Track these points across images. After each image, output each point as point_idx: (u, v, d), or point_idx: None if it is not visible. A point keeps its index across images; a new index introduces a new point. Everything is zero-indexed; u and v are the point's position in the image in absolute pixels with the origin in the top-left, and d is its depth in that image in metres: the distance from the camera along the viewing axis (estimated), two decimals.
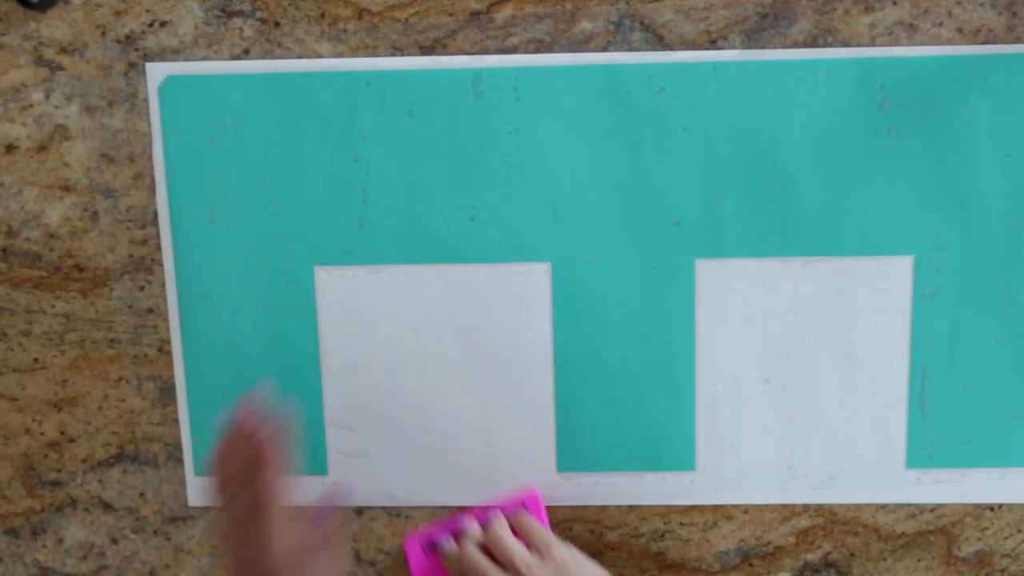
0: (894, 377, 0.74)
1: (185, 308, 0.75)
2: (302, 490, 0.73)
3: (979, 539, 0.77)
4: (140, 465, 0.79)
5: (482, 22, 0.71)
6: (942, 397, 0.74)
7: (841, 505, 0.76)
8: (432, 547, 0.75)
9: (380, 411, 0.76)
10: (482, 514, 0.74)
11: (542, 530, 0.72)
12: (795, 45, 0.70)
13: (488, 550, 0.72)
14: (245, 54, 0.72)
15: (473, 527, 0.73)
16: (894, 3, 0.69)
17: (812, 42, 0.70)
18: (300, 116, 0.72)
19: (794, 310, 0.74)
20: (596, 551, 0.78)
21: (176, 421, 0.77)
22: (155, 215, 0.74)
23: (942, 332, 0.73)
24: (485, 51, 0.71)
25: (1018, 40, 0.69)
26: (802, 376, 0.74)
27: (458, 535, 0.73)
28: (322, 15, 0.71)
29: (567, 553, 0.70)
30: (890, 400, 0.74)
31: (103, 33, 0.72)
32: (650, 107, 0.71)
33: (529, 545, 0.71)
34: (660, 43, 0.71)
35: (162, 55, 0.72)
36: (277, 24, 0.71)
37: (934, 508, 0.76)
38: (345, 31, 0.71)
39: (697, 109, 0.71)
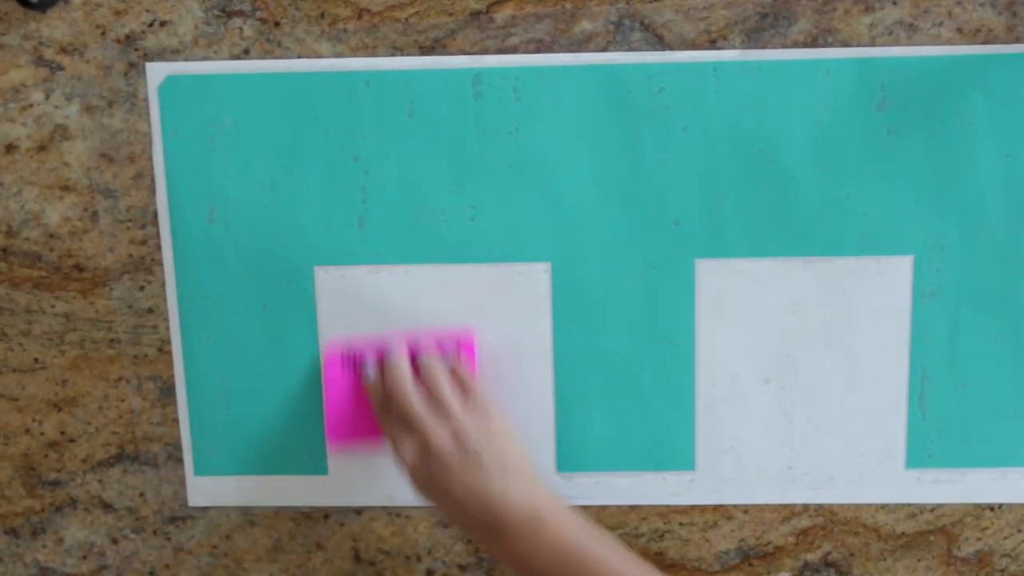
0: (894, 377, 0.74)
1: (185, 308, 0.75)
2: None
3: (979, 539, 0.77)
4: (140, 465, 0.79)
5: (482, 22, 0.71)
6: (942, 397, 0.74)
7: (841, 505, 0.76)
8: (353, 364, 0.73)
9: None
10: (414, 343, 0.72)
11: (472, 376, 0.71)
12: (795, 45, 0.70)
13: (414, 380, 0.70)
14: (245, 54, 0.72)
15: (402, 357, 0.71)
16: (894, 3, 0.69)
17: (812, 42, 0.70)
18: (300, 116, 0.72)
19: (794, 310, 0.73)
20: None
21: (176, 421, 0.77)
22: (155, 215, 0.74)
23: (942, 332, 0.73)
24: (485, 51, 0.71)
25: (1018, 40, 0.69)
26: (802, 376, 0.74)
27: (383, 358, 0.72)
28: (322, 15, 0.71)
29: (491, 406, 0.70)
30: (890, 400, 0.74)
31: (103, 33, 0.72)
32: (650, 107, 0.71)
33: (464, 392, 0.70)
34: (660, 43, 0.71)
35: (162, 55, 0.72)
36: (277, 24, 0.71)
37: (934, 508, 0.76)
38: (345, 31, 0.71)
39: (697, 109, 0.71)
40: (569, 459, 0.76)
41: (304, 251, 0.74)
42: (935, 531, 0.77)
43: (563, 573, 0.65)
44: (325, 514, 0.79)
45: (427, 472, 0.68)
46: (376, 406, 0.72)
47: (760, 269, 0.73)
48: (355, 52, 0.72)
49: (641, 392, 0.75)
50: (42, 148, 0.74)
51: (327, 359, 0.74)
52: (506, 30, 0.71)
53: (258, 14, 0.71)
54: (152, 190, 0.74)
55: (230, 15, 0.71)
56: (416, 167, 0.73)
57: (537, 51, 0.71)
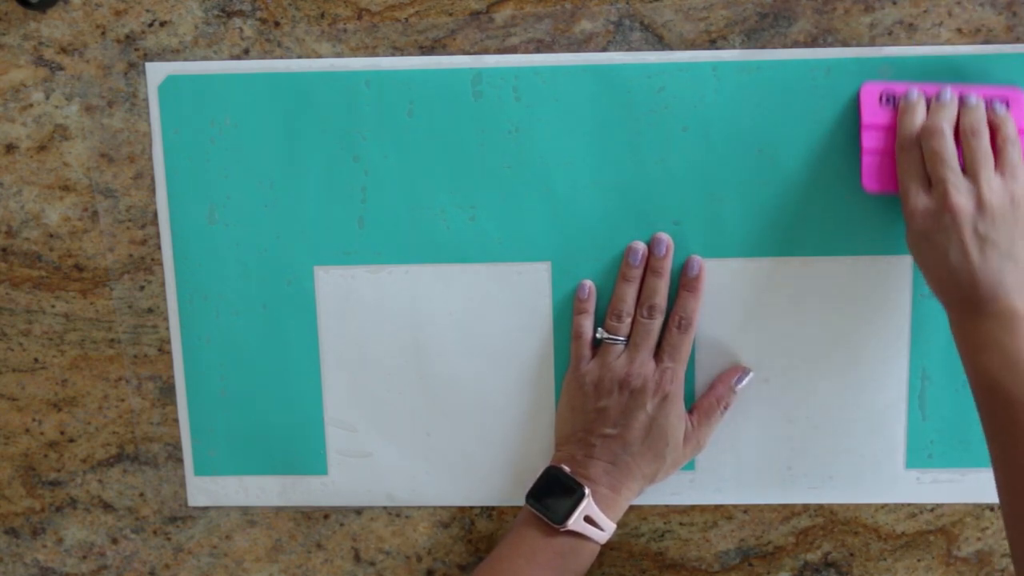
0: (894, 377, 0.74)
1: (185, 308, 0.75)
2: None
3: (979, 539, 0.77)
4: (140, 465, 0.79)
5: (482, 22, 0.71)
6: (942, 397, 0.74)
7: (841, 505, 0.76)
8: (890, 100, 0.68)
9: (380, 411, 0.76)
10: (961, 92, 0.67)
11: (1016, 140, 0.65)
12: (795, 45, 0.70)
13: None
14: (245, 54, 0.72)
15: (949, 98, 0.66)
16: (894, 3, 0.69)
17: (812, 42, 0.70)
18: (300, 116, 0.72)
19: (794, 310, 0.73)
20: None
21: (176, 421, 0.77)
22: (155, 215, 0.74)
23: (942, 332, 0.73)
24: (485, 51, 0.71)
25: (1018, 40, 0.69)
26: (802, 376, 0.74)
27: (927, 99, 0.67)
28: (322, 15, 0.71)
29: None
30: (890, 400, 0.74)
31: (103, 33, 0.72)
32: (650, 107, 0.71)
33: (995, 151, 0.65)
34: (660, 43, 0.71)
35: (162, 55, 0.72)
36: (277, 24, 0.71)
37: (934, 508, 0.76)
38: (345, 31, 0.71)
39: (697, 109, 0.71)
40: None
41: (304, 251, 0.74)
42: (935, 531, 0.77)
43: (1010, 378, 0.61)
44: (325, 514, 0.79)
45: (931, 229, 0.64)
46: (901, 141, 0.67)
47: (760, 269, 0.73)
48: (355, 52, 0.72)
49: None
50: (42, 148, 0.74)
51: (863, 95, 0.69)
52: (506, 30, 0.71)
53: (258, 14, 0.71)
54: (152, 190, 0.74)
55: (230, 15, 0.71)
56: (416, 167, 0.73)
57: (537, 51, 0.71)
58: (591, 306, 0.73)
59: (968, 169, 0.64)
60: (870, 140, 0.69)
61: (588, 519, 0.69)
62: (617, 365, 0.71)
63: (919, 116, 0.67)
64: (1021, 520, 0.60)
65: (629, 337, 0.72)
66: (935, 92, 0.67)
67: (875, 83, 0.69)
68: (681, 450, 0.71)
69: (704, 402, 0.73)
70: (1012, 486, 0.61)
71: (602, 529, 0.69)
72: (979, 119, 0.65)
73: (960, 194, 0.63)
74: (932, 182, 0.65)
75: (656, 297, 0.71)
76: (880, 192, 0.70)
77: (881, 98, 0.68)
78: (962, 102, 0.66)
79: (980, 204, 0.63)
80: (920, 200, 0.65)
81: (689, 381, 0.74)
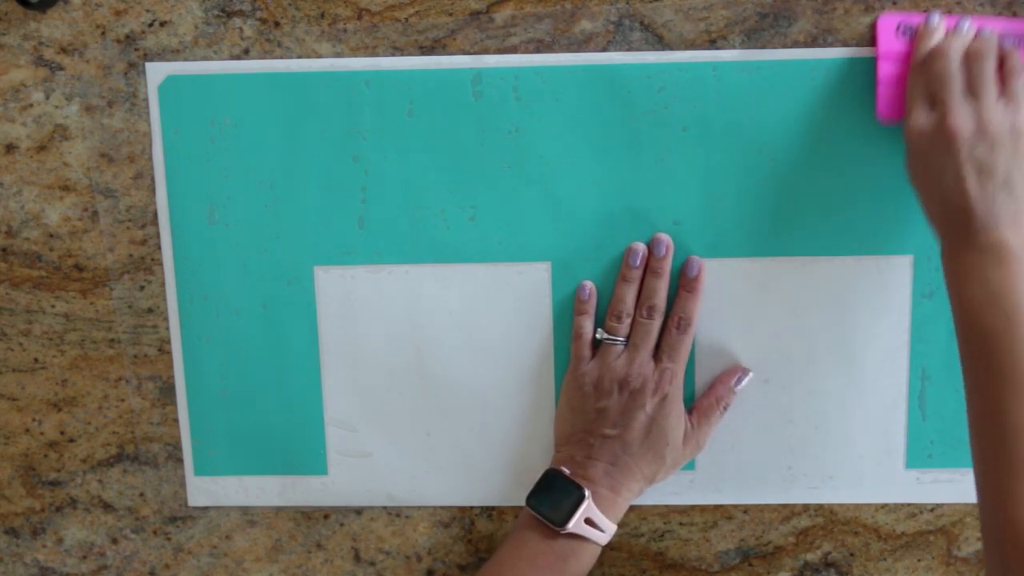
0: (894, 377, 0.74)
1: (185, 308, 0.75)
2: None
3: (979, 539, 0.76)
4: (140, 465, 0.79)
5: (482, 22, 0.71)
6: (942, 397, 0.74)
7: (841, 505, 0.76)
8: (907, 31, 0.67)
9: (380, 411, 0.76)
10: (981, 22, 0.67)
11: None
12: (795, 45, 0.70)
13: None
14: (245, 54, 0.72)
15: (967, 28, 0.65)
16: (894, 3, 0.69)
17: (812, 42, 0.70)
18: (300, 116, 0.72)
19: (794, 310, 0.73)
20: None
21: (176, 421, 0.77)
22: (155, 215, 0.74)
23: (942, 332, 0.73)
24: (485, 51, 0.71)
25: None
26: (802, 376, 0.74)
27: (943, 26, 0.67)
28: (322, 15, 0.71)
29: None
30: (890, 400, 0.74)
31: (103, 33, 0.72)
32: (650, 107, 0.71)
33: (1002, 80, 0.64)
34: (660, 43, 0.71)
35: (162, 55, 0.72)
36: (277, 24, 0.71)
37: (934, 508, 0.76)
38: (345, 31, 0.71)
39: (697, 109, 0.71)
40: None
41: (304, 251, 0.74)
42: (935, 531, 0.77)
43: (990, 312, 0.61)
44: (325, 514, 0.79)
45: (928, 150, 0.64)
46: (913, 63, 0.66)
47: (760, 269, 0.73)
48: (355, 52, 0.72)
49: None
50: (42, 148, 0.74)
51: (880, 26, 0.68)
52: (506, 30, 0.71)
53: (258, 14, 0.71)
54: (152, 190, 0.74)
55: (230, 15, 0.71)
56: (416, 167, 0.73)
57: (537, 51, 0.71)
58: (591, 307, 0.73)
59: (971, 93, 0.64)
60: (886, 69, 0.68)
61: (589, 521, 0.69)
62: (617, 365, 0.71)
63: (935, 40, 0.66)
64: (988, 454, 0.59)
65: (629, 338, 0.72)
66: (955, 23, 0.66)
67: (892, 13, 0.68)
68: (681, 450, 0.71)
69: (703, 402, 0.73)
70: (981, 419, 0.61)
71: (603, 531, 0.69)
72: (988, 46, 0.64)
73: (959, 116, 0.63)
74: (934, 103, 0.64)
75: (655, 298, 0.71)
76: (894, 120, 0.69)
77: (898, 28, 0.68)
78: (978, 33, 0.66)
79: (979, 128, 0.62)
80: (920, 119, 0.64)
81: (689, 381, 0.74)
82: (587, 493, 0.69)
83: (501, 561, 0.70)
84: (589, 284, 0.73)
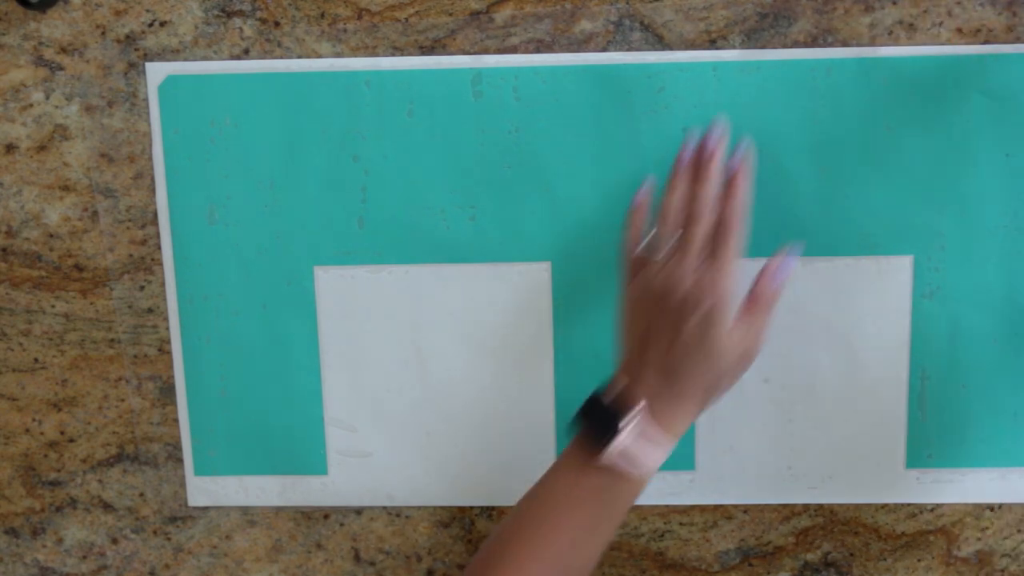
0: (894, 377, 0.74)
1: (185, 308, 0.75)
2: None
3: (979, 539, 0.77)
4: (140, 465, 0.79)
5: (482, 22, 0.71)
6: (942, 397, 0.74)
7: (841, 505, 0.76)
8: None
9: (380, 411, 0.76)
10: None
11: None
12: (795, 45, 0.70)
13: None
14: (245, 54, 0.72)
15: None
16: (894, 3, 0.69)
17: (812, 42, 0.70)
18: (300, 116, 0.72)
19: (794, 310, 0.73)
20: None
21: (176, 421, 0.77)
22: (155, 215, 0.74)
23: (942, 332, 0.73)
24: (485, 51, 0.71)
25: (1018, 40, 0.69)
26: (802, 376, 0.74)
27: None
28: (322, 15, 0.71)
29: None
30: (890, 400, 0.74)
31: (103, 33, 0.72)
32: (650, 107, 0.71)
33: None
34: (660, 43, 0.71)
35: (162, 55, 0.72)
36: (277, 24, 0.71)
37: (934, 508, 0.76)
38: (345, 31, 0.71)
39: (697, 109, 0.71)
40: None
41: (304, 251, 0.74)
42: (935, 531, 0.77)
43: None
44: (325, 514, 0.79)
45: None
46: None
47: (760, 269, 0.73)
48: (355, 52, 0.72)
49: None
50: (42, 148, 0.74)
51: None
52: (506, 30, 0.71)
53: (258, 14, 0.71)
54: (152, 190, 0.74)
55: (230, 15, 0.71)
56: (416, 167, 0.73)
57: (537, 51, 0.71)
58: (640, 219, 0.71)
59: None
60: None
61: (644, 436, 0.64)
62: (658, 280, 0.67)
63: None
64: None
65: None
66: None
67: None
68: (735, 358, 0.67)
69: (748, 304, 0.68)
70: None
71: (659, 444, 0.65)
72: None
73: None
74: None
75: (696, 203, 0.67)
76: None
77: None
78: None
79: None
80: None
81: None
82: (642, 403, 0.65)
83: (545, 480, 0.67)
84: (644, 189, 0.70)
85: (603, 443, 0.64)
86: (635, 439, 0.64)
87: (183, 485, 0.79)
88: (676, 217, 0.68)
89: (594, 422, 0.65)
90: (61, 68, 0.73)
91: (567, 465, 0.67)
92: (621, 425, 0.64)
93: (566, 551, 0.64)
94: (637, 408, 0.64)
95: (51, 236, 0.75)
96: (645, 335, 0.67)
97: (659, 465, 0.65)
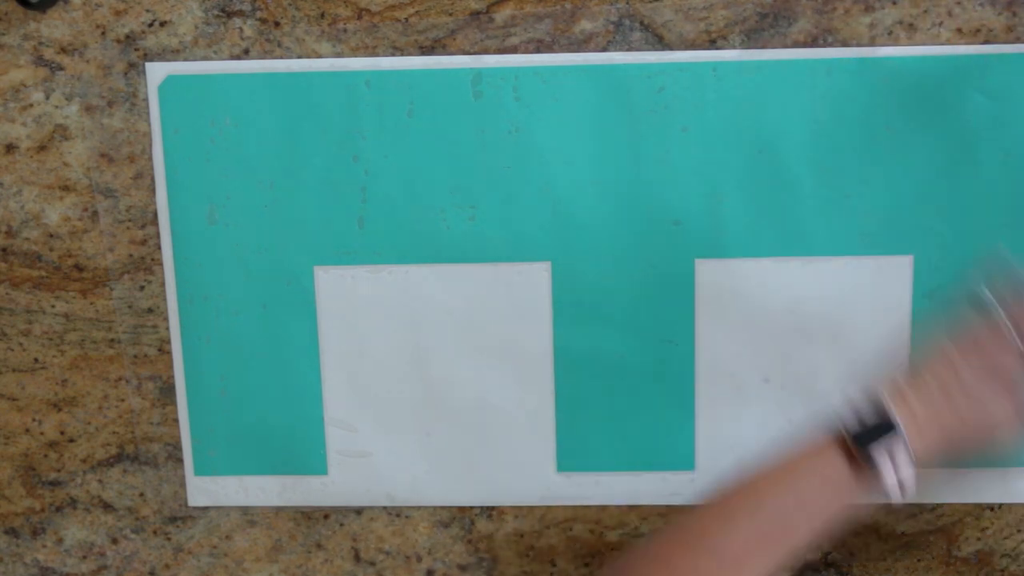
0: None
1: (185, 308, 0.75)
2: None
3: (979, 539, 0.77)
4: (140, 465, 0.79)
5: (482, 22, 0.71)
6: None
7: None
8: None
9: (380, 411, 0.76)
10: None
11: None
12: (795, 45, 0.70)
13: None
14: (245, 54, 0.72)
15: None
16: (894, 3, 0.69)
17: (812, 42, 0.70)
18: (300, 116, 0.72)
19: (794, 310, 0.73)
20: (596, 551, 0.78)
21: (176, 421, 0.77)
22: (155, 215, 0.74)
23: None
24: (485, 51, 0.71)
25: (1018, 40, 0.69)
26: (802, 376, 0.74)
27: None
28: (322, 15, 0.71)
29: None
30: None
31: (103, 33, 0.72)
32: (650, 107, 0.71)
33: None
34: (660, 43, 0.71)
35: (162, 55, 0.72)
36: (277, 24, 0.71)
37: (934, 508, 0.76)
38: (345, 31, 0.71)
39: (697, 109, 0.71)
40: (569, 459, 0.76)
41: (304, 251, 0.74)
42: (935, 531, 0.77)
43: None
44: (325, 514, 0.79)
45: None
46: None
47: (760, 269, 0.73)
48: (355, 52, 0.72)
49: (641, 392, 0.75)
50: (42, 148, 0.74)
51: None
52: (506, 30, 0.71)
53: (258, 14, 0.71)
54: (152, 190, 0.74)
55: (230, 15, 0.71)
56: (416, 167, 0.73)
57: (537, 51, 0.71)
58: None
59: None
60: None
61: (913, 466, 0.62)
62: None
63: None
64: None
65: None
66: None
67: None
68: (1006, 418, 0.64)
69: None
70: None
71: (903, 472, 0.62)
72: None
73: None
74: None
75: None
76: None
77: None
78: None
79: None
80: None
81: (689, 388, 0.74)
82: (900, 425, 0.61)
83: (789, 455, 0.64)
84: None
85: (880, 465, 0.61)
86: (912, 471, 0.62)
87: (183, 485, 0.79)
88: None
89: (872, 439, 0.62)
90: (61, 68, 0.73)
91: (824, 462, 0.63)
92: (906, 459, 0.62)
93: (789, 519, 0.62)
94: (919, 448, 0.62)
95: (51, 236, 0.75)
96: (958, 392, 0.63)
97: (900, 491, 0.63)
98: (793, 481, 0.63)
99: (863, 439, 0.61)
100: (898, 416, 0.62)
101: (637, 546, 0.64)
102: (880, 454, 0.61)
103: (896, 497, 0.62)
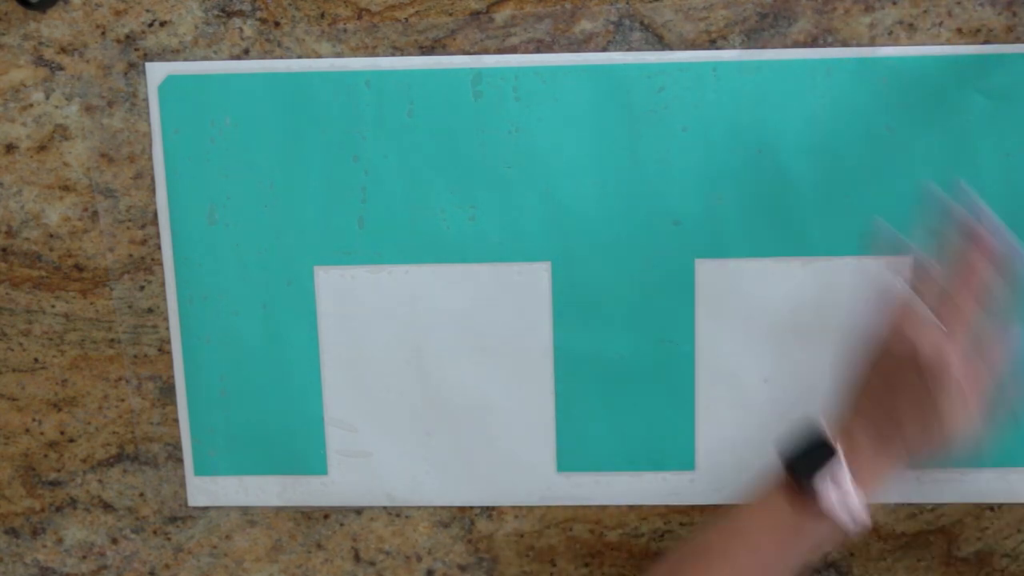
0: None
1: (185, 308, 0.75)
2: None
3: (979, 539, 0.77)
4: (140, 465, 0.79)
5: (482, 22, 0.71)
6: None
7: None
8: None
9: (380, 411, 0.76)
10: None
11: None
12: (795, 45, 0.70)
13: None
14: (245, 54, 0.72)
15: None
16: (894, 3, 0.69)
17: (812, 42, 0.70)
18: (300, 116, 0.72)
19: (794, 310, 0.73)
20: (596, 551, 0.78)
21: (176, 421, 0.77)
22: (155, 215, 0.74)
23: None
24: (485, 51, 0.71)
25: (1018, 40, 0.69)
26: (802, 376, 0.74)
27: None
28: (322, 15, 0.71)
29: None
30: None
31: (103, 33, 0.72)
32: (650, 107, 0.71)
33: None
34: (660, 43, 0.71)
35: (162, 55, 0.72)
36: (277, 24, 0.71)
37: (934, 508, 0.76)
38: (345, 31, 0.71)
39: (697, 109, 0.71)
40: (569, 459, 0.76)
41: (304, 251, 0.74)
42: (935, 531, 0.77)
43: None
44: (325, 514, 0.79)
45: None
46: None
47: (760, 269, 0.73)
48: (355, 52, 0.72)
49: (641, 392, 0.75)
50: (42, 148, 0.74)
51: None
52: (506, 30, 0.71)
53: (258, 14, 0.71)
54: (152, 190, 0.74)
55: (230, 15, 0.71)
56: (416, 167, 0.73)
57: (537, 51, 0.71)
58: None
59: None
60: None
61: (836, 483, 0.60)
62: (928, 348, 0.61)
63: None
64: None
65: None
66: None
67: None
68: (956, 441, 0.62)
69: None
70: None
71: (869, 499, 0.60)
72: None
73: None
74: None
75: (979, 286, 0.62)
76: None
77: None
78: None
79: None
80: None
81: (689, 388, 0.74)
82: (838, 449, 0.60)
83: (738, 511, 0.63)
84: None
85: (823, 493, 0.59)
86: (858, 496, 0.60)
87: (183, 485, 0.79)
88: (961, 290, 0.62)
89: (813, 469, 0.60)
90: (61, 68, 0.73)
91: (770, 504, 0.62)
92: (850, 483, 0.59)
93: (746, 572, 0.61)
94: (867, 466, 0.60)
95: (51, 236, 0.75)
96: (890, 397, 0.61)
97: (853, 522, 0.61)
98: (742, 537, 0.62)
99: (803, 469, 0.60)
100: (835, 439, 0.60)
101: None
102: (821, 482, 0.59)
103: (848, 525, 0.60)
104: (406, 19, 0.71)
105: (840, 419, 0.62)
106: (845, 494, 0.59)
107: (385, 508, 0.78)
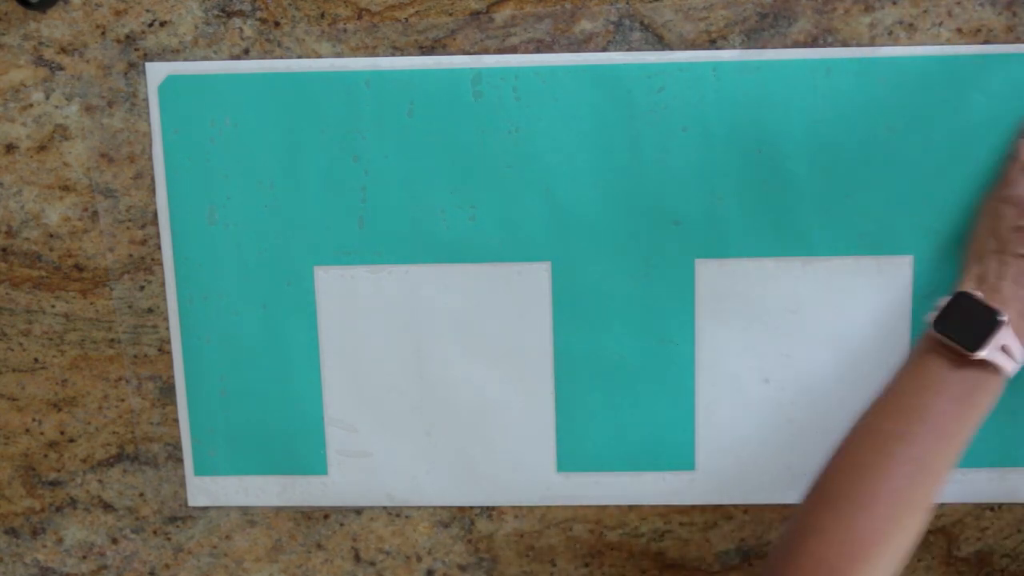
0: None
1: (185, 308, 0.75)
2: None
3: (979, 539, 0.76)
4: (140, 465, 0.79)
5: (482, 22, 0.71)
6: None
7: None
8: None
9: (380, 411, 0.76)
10: None
11: None
12: (795, 45, 0.70)
13: None
14: (245, 54, 0.72)
15: None
16: (894, 3, 0.69)
17: (812, 42, 0.70)
18: (300, 116, 0.72)
19: (794, 310, 0.74)
20: (596, 551, 0.78)
21: (176, 421, 0.77)
22: (155, 215, 0.74)
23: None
24: (485, 51, 0.71)
25: (1018, 40, 0.69)
26: (802, 376, 0.74)
27: None
28: (322, 15, 0.71)
29: None
30: None
31: (103, 33, 0.72)
32: (650, 107, 0.71)
33: None
34: (660, 43, 0.71)
35: (162, 55, 0.72)
36: (277, 24, 0.71)
37: (934, 508, 0.76)
38: (345, 31, 0.71)
39: (697, 109, 0.71)
40: (569, 459, 0.76)
41: (304, 251, 0.74)
42: (935, 531, 0.77)
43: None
44: (325, 514, 0.79)
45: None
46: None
47: (760, 269, 0.73)
48: (355, 52, 0.72)
49: (641, 392, 0.75)
50: (42, 148, 0.74)
51: None
52: (506, 30, 0.71)
53: (258, 14, 0.71)
54: (152, 190, 0.74)
55: (230, 15, 0.71)
56: (416, 167, 0.73)
57: (537, 51, 0.71)
58: None
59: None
60: None
61: (1003, 348, 0.64)
62: None
63: None
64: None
65: None
66: None
67: None
68: None
69: None
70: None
71: (1015, 359, 0.64)
72: None
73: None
74: None
75: None
76: None
77: None
78: None
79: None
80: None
81: (689, 388, 0.74)
82: (1004, 318, 0.63)
83: (902, 392, 0.66)
84: None
85: (981, 338, 0.63)
86: (995, 353, 0.63)
87: (183, 485, 0.79)
88: None
89: (967, 319, 0.64)
90: (61, 68, 0.73)
91: (929, 366, 0.65)
92: (1000, 319, 0.63)
93: (931, 451, 0.64)
94: (1003, 326, 0.64)
95: (51, 236, 0.75)
96: (1011, 238, 0.66)
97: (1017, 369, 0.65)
98: (919, 416, 0.64)
99: (972, 342, 0.63)
100: (996, 305, 0.64)
101: (786, 528, 0.65)
102: (993, 353, 0.63)
103: (1011, 373, 0.64)
104: (406, 19, 0.71)
105: (992, 286, 0.66)
106: (1014, 354, 0.64)
107: (385, 508, 0.78)
